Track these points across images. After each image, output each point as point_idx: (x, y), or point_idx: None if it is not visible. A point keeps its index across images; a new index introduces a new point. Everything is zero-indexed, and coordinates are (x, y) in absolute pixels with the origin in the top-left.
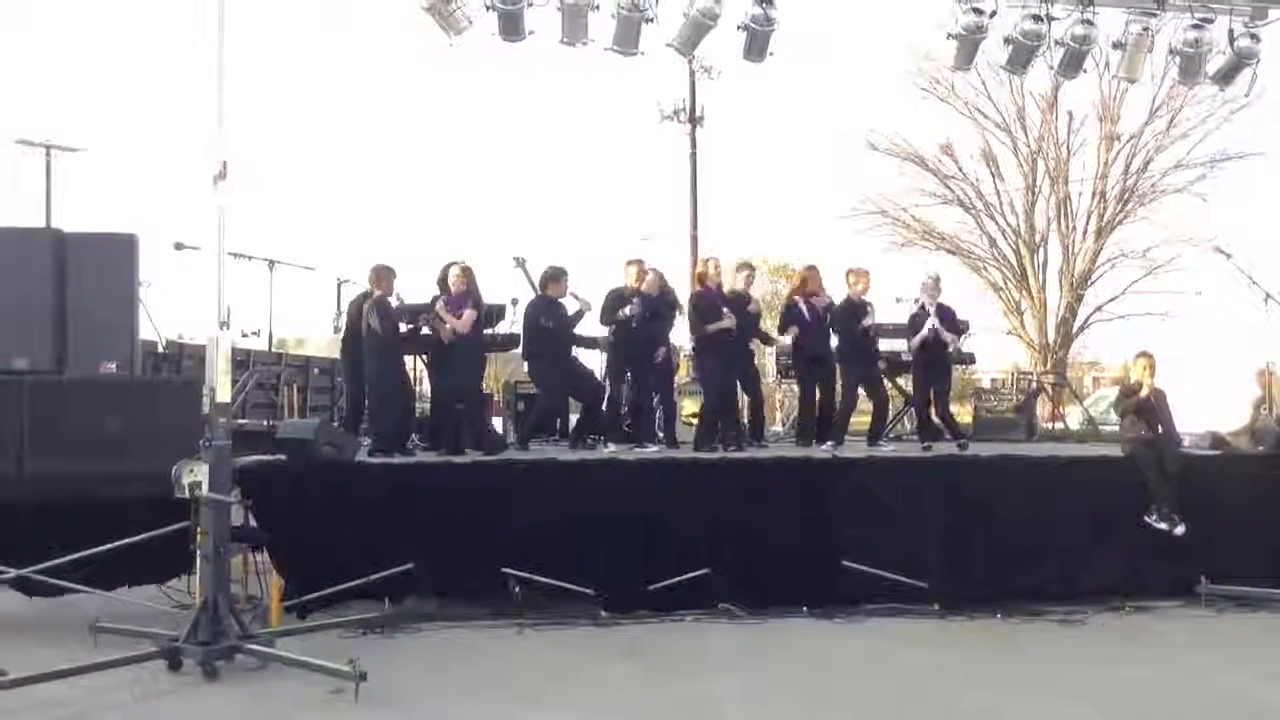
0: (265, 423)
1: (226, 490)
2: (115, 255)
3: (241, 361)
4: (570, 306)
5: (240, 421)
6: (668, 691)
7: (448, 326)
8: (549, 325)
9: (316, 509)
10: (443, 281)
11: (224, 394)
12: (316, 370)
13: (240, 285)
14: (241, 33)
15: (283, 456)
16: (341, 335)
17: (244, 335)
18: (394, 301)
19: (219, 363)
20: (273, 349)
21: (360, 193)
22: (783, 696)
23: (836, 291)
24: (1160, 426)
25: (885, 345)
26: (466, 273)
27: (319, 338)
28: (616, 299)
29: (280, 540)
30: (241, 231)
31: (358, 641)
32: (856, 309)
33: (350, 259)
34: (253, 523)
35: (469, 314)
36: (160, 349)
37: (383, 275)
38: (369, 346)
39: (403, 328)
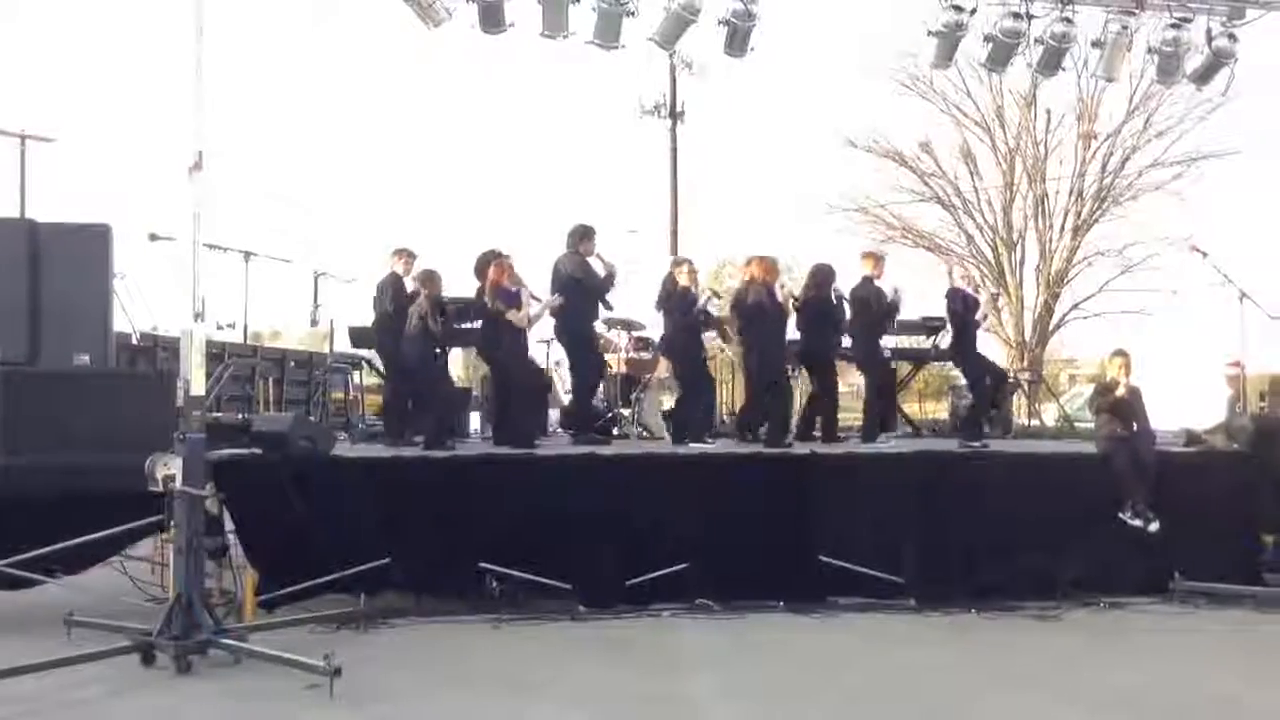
0: (240, 416)
1: (200, 484)
2: (89, 246)
3: (216, 354)
4: (598, 268)
5: (215, 415)
6: (645, 687)
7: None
8: (581, 280)
9: (290, 503)
10: (480, 270)
11: (198, 387)
12: (293, 363)
13: (215, 277)
14: (219, 22)
15: (258, 450)
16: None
17: (219, 328)
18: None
19: (193, 355)
20: (248, 342)
21: (339, 186)
22: (759, 692)
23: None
24: (1135, 424)
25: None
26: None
27: (295, 330)
28: (685, 293)
29: (255, 535)
30: (217, 223)
31: (333, 637)
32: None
33: (328, 252)
34: (227, 518)
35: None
36: (135, 341)
37: (433, 278)
38: (423, 346)
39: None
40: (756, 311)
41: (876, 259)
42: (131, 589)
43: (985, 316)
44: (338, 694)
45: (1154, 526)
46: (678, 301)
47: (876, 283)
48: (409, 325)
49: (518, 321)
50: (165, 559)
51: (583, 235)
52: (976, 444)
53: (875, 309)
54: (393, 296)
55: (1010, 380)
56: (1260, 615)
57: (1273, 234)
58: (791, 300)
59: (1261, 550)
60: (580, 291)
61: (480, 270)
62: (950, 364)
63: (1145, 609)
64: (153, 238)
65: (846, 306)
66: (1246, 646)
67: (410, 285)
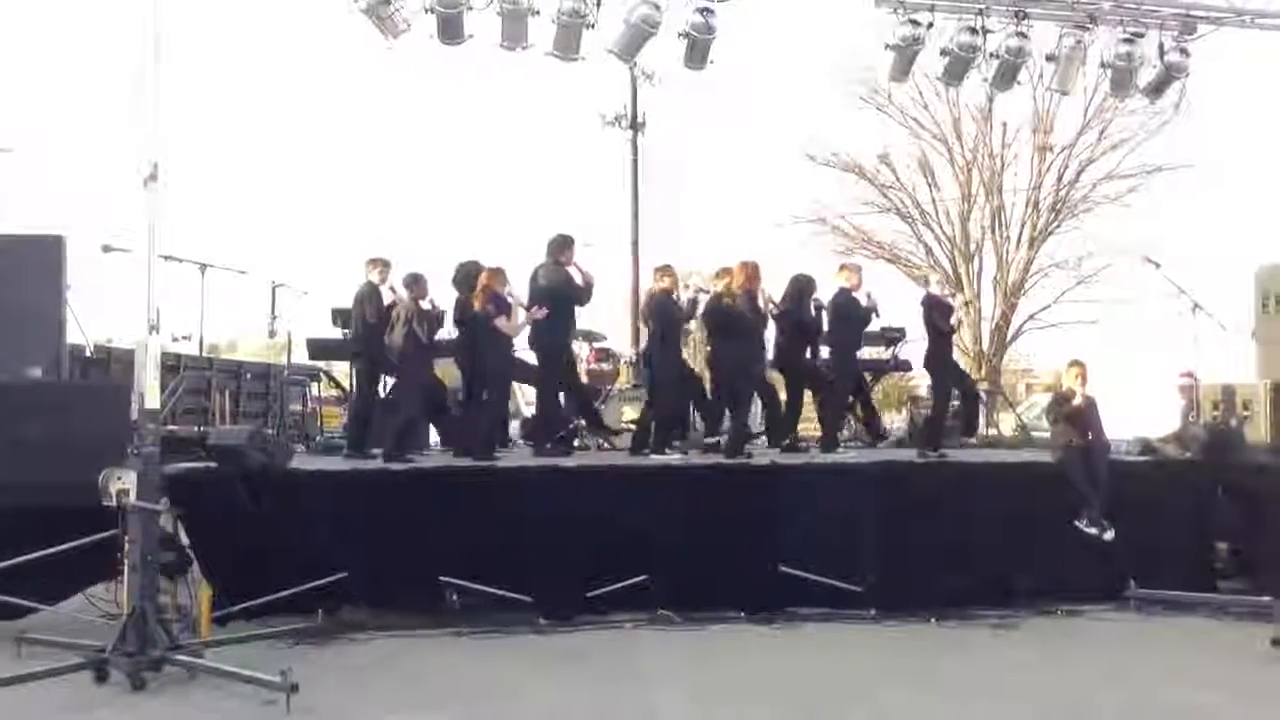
0: (196, 429)
1: (155, 498)
2: (42, 257)
3: (172, 366)
4: (576, 278)
5: (171, 428)
6: (606, 699)
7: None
8: (560, 292)
9: (247, 517)
10: (459, 282)
11: (153, 399)
12: (249, 375)
13: (171, 289)
14: (174, 33)
15: (213, 464)
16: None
17: (174, 339)
18: (427, 306)
19: (148, 367)
20: (204, 354)
21: (297, 196)
22: (719, 702)
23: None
24: (1091, 433)
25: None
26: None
27: (252, 342)
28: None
29: (211, 549)
30: (172, 234)
31: (290, 652)
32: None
33: (285, 263)
34: (183, 532)
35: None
36: (88, 353)
37: (420, 282)
38: (408, 349)
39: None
40: (735, 316)
41: (854, 270)
42: (85, 605)
43: (960, 322)
44: (295, 710)
45: (1109, 535)
46: (662, 307)
47: (854, 294)
48: (394, 329)
49: (507, 330)
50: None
51: (562, 245)
52: (934, 453)
53: (851, 320)
54: (373, 307)
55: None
56: (1215, 622)
57: (1226, 245)
58: (770, 308)
59: (1215, 557)
60: (558, 302)
61: (459, 281)
62: (905, 373)
63: (1101, 616)
64: (106, 249)
65: (824, 316)
66: (1201, 653)
67: (387, 295)
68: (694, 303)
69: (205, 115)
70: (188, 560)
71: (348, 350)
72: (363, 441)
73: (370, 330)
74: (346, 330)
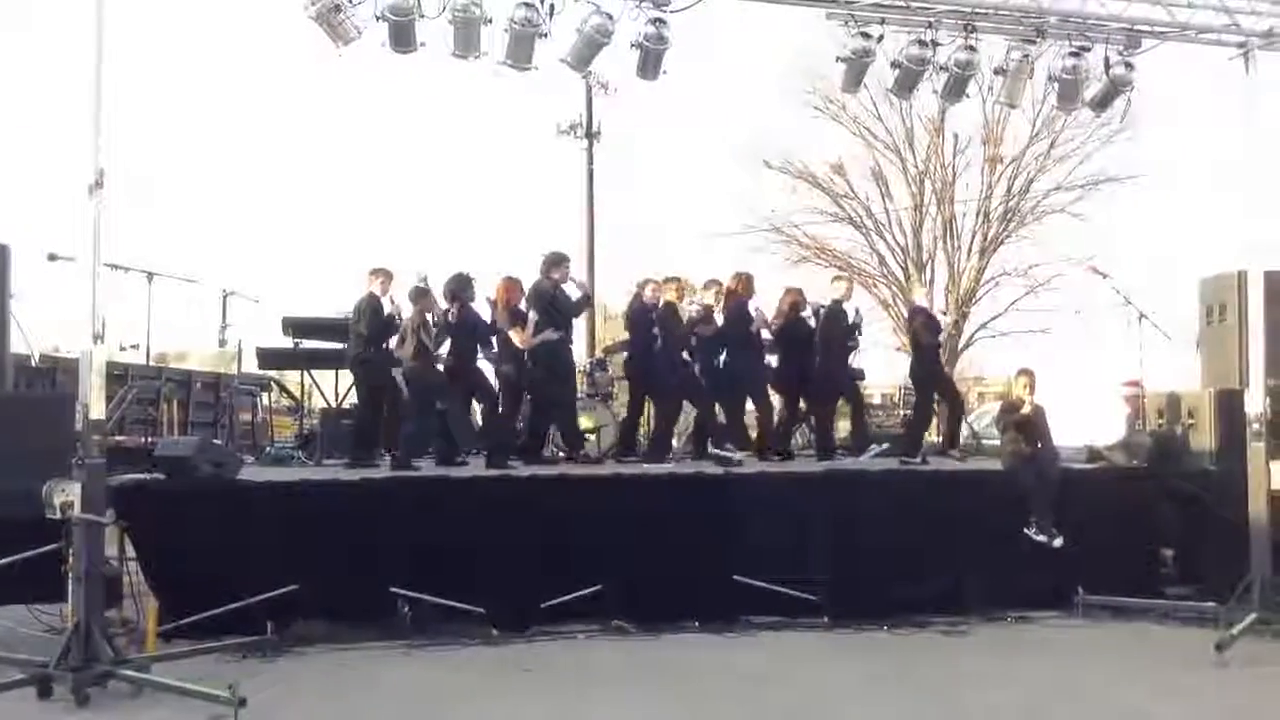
0: (144, 439)
1: (100, 510)
2: None
3: (120, 376)
4: (571, 292)
5: (118, 438)
6: (559, 710)
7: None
8: (558, 307)
9: (196, 529)
10: (451, 294)
11: (98, 410)
12: (199, 385)
13: (119, 298)
14: (120, 37)
15: (161, 475)
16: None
17: (122, 349)
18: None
19: (93, 378)
20: (153, 363)
21: (248, 205)
22: (673, 712)
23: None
24: (1040, 441)
25: None
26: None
27: (202, 352)
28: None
29: (158, 562)
30: (119, 242)
31: (239, 666)
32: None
33: (236, 271)
34: (129, 545)
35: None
36: (34, 363)
37: (428, 294)
38: (420, 364)
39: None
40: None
41: (846, 282)
42: (27, 617)
43: (946, 338)
44: None
45: (1058, 542)
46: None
47: (845, 305)
48: (403, 341)
49: (521, 342)
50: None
51: (554, 262)
52: (916, 460)
53: (838, 330)
54: (370, 317)
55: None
56: (1161, 627)
57: (1176, 255)
58: (770, 325)
59: (1161, 563)
60: (553, 316)
61: (451, 294)
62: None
63: (1050, 623)
64: (52, 257)
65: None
66: (1148, 658)
67: (388, 306)
68: (694, 318)
69: (153, 122)
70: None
71: (345, 358)
72: (369, 452)
73: (367, 341)
74: (297, 340)
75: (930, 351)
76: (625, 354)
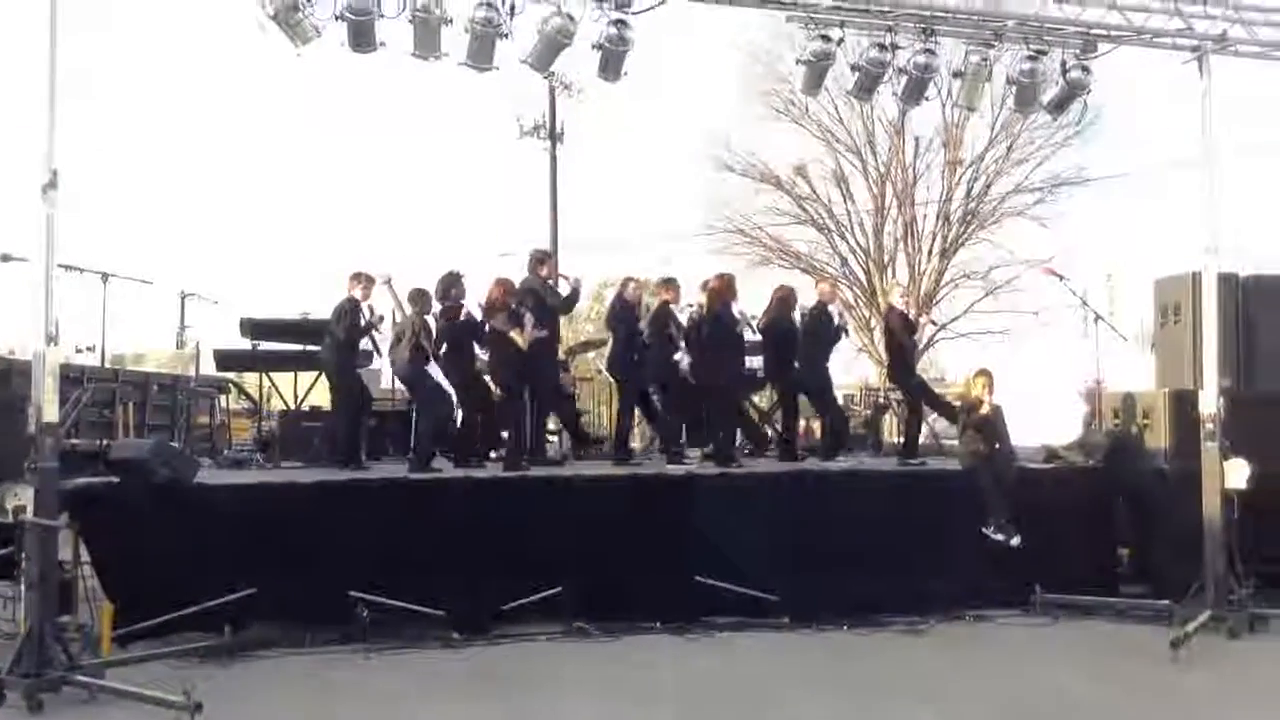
0: (100, 442)
1: (53, 514)
2: None
3: (75, 378)
4: (562, 287)
5: (73, 442)
6: (519, 713)
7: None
8: (550, 303)
9: (152, 532)
10: (443, 293)
11: (51, 413)
12: (156, 387)
13: (74, 299)
14: (74, 36)
15: (115, 478)
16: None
17: (77, 351)
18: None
19: (45, 380)
20: (109, 365)
21: (209, 207)
22: (632, 713)
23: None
24: (998, 441)
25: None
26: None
27: (159, 353)
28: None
29: (112, 566)
30: (73, 243)
31: (195, 671)
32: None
33: (194, 273)
34: (84, 549)
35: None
36: None
37: (425, 297)
38: (416, 365)
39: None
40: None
41: (830, 284)
42: None
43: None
44: None
45: (1016, 541)
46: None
47: (829, 309)
48: (399, 344)
49: (520, 341)
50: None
51: (539, 260)
52: (915, 462)
53: (821, 332)
54: (350, 322)
55: (883, 401)
56: (1117, 625)
57: (1129, 258)
58: (750, 322)
59: (1117, 562)
60: (539, 312)
61: (443, 294)
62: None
63: (1008, 621)
64: (4, 258)
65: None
66: (1104, 655)
67: (367, 311)
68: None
69: (108, 122)
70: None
71: (318, 360)
72: (354, 456)
73: (341, 345)
74: (256, 342)
75: (907, 352)
76: (593, 354)
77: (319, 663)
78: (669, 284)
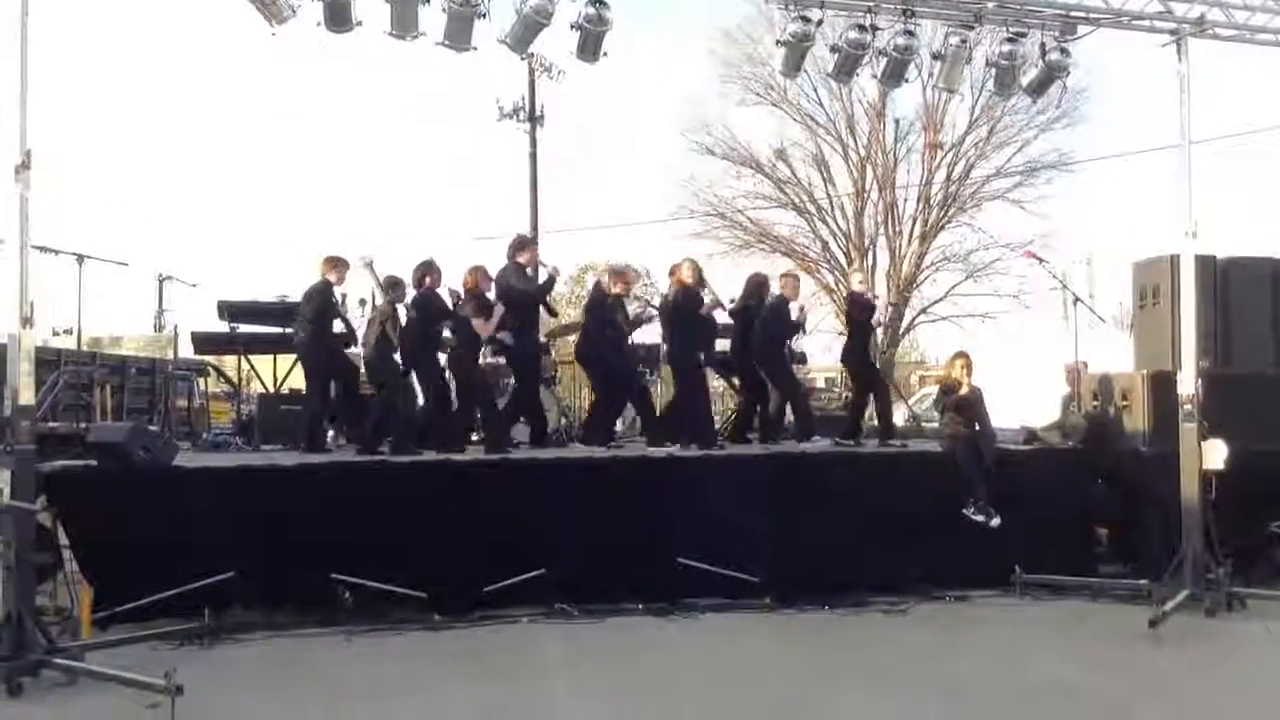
0: (78, 425)
1: (30, 498)
2: None
3: (52, 361)
4: (540, 274)
5: (51, 425)
6: (502, 694)
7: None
8: (523, 290)
9: (131, 516)
10: (418, 280)
11: (27, 395)
12: (134, 370)
13: (50, 282)
14: (48, 14)
15: (93, 461)
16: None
17: (54, 334)
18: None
19: (21, 363)
20: (87, 348)
21: (187, 189)
22: (617, 694)
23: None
24: (977, 423)
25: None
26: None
27: (138, 336)
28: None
29: (91, 549)
30: (48, 224)
31: (175, 654)
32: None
33: (174, 256)
34: (61, 532)
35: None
36: None
37: (399, 284)
38: (379, 353)
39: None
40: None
41: (793, 280)
42: None
43: (879, 324)
44: (180, 714)
45: (995, 521)
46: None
47: (790, 303)
48: (369, 331)
49: (480, 330)
50: None
51: (519, 246)
52: (851, 443)
53: (780, 326)
54: (319, 305)
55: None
56: (1095, 605)
57: (1109, 240)
58: (720, 305)
59: (1096, 542)
60: (518, 303)
61: (418, 281)
62: (803, 366)
63: (988, 601)
64: None
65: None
66: (1082, 635)
67: (339, 295)
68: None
69: (84, 102)
70: (58, 561)
71: (290, 342)
72: (318, 441)
73: (314, 330)
74: (234, 325)
75: (865, 335)
76: (574, 337)
77: (300, 645)
78: (621, 274)
